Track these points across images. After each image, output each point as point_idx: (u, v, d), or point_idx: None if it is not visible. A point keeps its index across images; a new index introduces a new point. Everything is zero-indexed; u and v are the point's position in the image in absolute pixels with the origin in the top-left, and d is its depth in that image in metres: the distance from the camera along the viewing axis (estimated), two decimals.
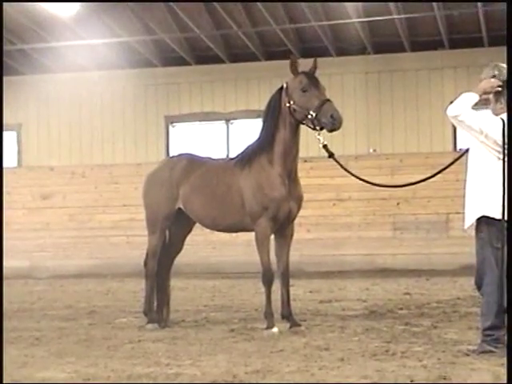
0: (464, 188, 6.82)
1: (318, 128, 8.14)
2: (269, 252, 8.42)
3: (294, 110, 8.26)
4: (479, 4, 16.38)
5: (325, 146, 8.28)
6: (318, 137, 8.19)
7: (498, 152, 6.55)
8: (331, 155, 8.29)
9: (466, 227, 6.71)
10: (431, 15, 17.09)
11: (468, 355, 6.53)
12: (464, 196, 6.78)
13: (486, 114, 6.81)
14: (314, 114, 8.06)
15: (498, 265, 6.49)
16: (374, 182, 8.56)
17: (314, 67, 8.39)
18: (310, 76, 8.29)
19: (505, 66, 6.89)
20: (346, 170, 8.33)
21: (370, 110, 18.92)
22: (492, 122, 6.63)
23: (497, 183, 6.48)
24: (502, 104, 6.73)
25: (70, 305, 11.91)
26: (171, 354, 7.05)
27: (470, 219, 6.66)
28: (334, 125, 7.99)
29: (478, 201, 6.59)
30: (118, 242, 19.18)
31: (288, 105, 8.30)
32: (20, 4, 16.41)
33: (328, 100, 8.09)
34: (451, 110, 6.69)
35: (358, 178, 8.36)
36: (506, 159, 6.47)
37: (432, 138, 18.20)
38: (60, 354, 7.22)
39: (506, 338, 6.37)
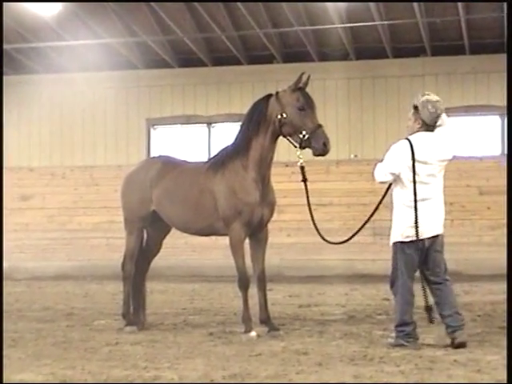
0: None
1: (302, 148, 8.19)
2: (244, 256, 8.42)
3: (285, 123, 8.27)
4: (461, 12, 16.46)
5: (302, 168, 8.37)
6: (300, 156, 8.28)
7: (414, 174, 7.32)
8: (304, 180, 8.43)
9: (390, 244, 7.66)
10: (413, 22, 17.14)
11: (444, 361, 6.58)
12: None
13: (397, 154, 7.43)
14: (306, 136, 8.11)
15: (408, 269, 7.47)
16: (331, 240, 8.67)
17: (306, 83, 8.38)
18: (307, 95, 8.31)
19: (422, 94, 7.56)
20: (308, 202, 8.51)
21: (351, 115, 18.96)
22: (405, 156, 7.32)
23: (409, 207, 7.34)
24: (420, 124, 7.43)
25: (48, 306, 11.86)
26: (149, 357, 7.04)
27: (392, 240, 7.61)
28: (324, 152, 8.11)
29: (397, 225, 7.52)
30: (98, 244, 19.14)
31: (279, 117, 8.30)
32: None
33: (320, 125, 8.16)
34: (377, 178, 7.60)
35: (314, 225, 8.53)
36: (417, 178, 7.28)
37: None
38: (37, 355, 7.19)
39: (415, 331, 7.42)
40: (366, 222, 7.94)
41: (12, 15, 17.26)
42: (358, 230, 8.12)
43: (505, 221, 16.51)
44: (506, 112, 17.64)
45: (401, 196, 7.41)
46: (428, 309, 7.47)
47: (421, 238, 7.34)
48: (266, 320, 8.49)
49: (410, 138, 7.39)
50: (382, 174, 7.47)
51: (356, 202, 18.13)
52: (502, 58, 17.15)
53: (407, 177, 7.31)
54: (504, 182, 16.41)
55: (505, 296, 11.45)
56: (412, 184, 7.29)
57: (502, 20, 16.87)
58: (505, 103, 17.43)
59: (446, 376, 5.97)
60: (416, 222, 7.29)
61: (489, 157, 18.27)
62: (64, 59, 19.45)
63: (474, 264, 17.29)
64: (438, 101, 7.44)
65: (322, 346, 7.58)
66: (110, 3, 17.19)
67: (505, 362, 6.18)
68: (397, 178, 7.39)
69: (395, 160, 7.36)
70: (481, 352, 7.00)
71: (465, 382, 5.77)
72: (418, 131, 7.43)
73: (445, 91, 17.92)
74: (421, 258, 7.42)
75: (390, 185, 7.67)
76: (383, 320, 9.63)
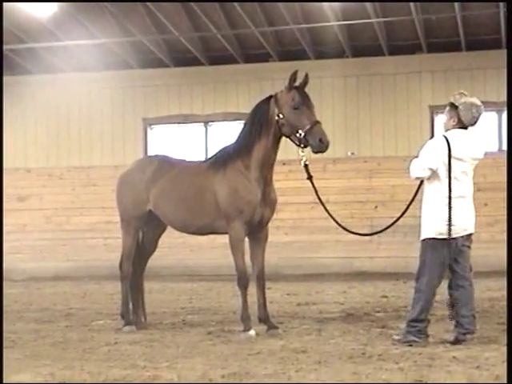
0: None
1: (302, 146, 8.18)
2: (243, 255, 8.41)
3: (283, 124, 8.26)
4: (457, 8, 16.46)
5: (306, 166, 8.34)
6: (302, 154, 8.26)
7: (452, 171, 7.31)
8: (310, 177, 8.40)
9: (420, 239, 7.55)
10: (409, 19, 17.15)
11: (442, 358, 6.58)
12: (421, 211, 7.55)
13: (434, 149, 7.42)
14: (302, 134, 8.09)
15: (437, 267, 7.36)
16: (352, 230, 9.01)
17: (305, 82, 8.36)
18: (303, 93, 8.26)
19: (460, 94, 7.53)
20: (318, 198, 8.62)
21: (348, 113, 18.95)
22: (442, 152, 7.31)
23: (445, 204, 7.29)
24: (455, 122, 7.45)
25: (46, 307, 11.85)
26: (148, 356, 7.03)
27: (423, 236, 7.51)
28: (322, 148, 8.07)
29: (430, 221, 7.40)
30: (95, 245, 19.13)
31: (277, 118, 8.29)
32: None
33: (318, 122, 8.13)
34: (413, 174, 7.49)
35: (333, 219, 8.88)
36: (452, 175, 7.27)
37: (410, 142, 18.24)
38: (36, 356, 7.18)
39: (427, 329, 7.40)
40: (398, 218, 7.88)
41: (7, 16, 17.24)
42: (390, 225, 8.05)
43: (502, 217, 16.56)
44: (505, 108, 17.65)
45: (436, 192, 7.34)
46: (451, 305, 7.45)
47: (455, 236, 7.32)
48: (264, 319, 8.49)
49: (445, 134, 7.41)
50: (420, 169, 7.38)
51: (353, 200, 18.14)
52: (498, 55, 17.26)
53: (444, 173, 7.29)
54: (501, 178, 16.51)
55: (503, 293, 11.49)
56: (448, 180, 7.27)
57: (497, 16, 16.90)
58: (501, 99, 17.48)
59: (445, 372, 5.96)
60: (451, 220, 7.27)
61: (486, 153, 18.24)
62: (59, 60, 19.43)
63: (472, 261, 17.27)
64: (481, 105, 7.43)
65: (321, 344, 7.57)
66: (106, 3, 17.16)
67: (505, 358, 6.18)
68: (432, 174, 7.35)
69: (433, 155, 7.32)
70: (479, 349, 7.00)
71: (464, 379, 5.76)
72: (452, 128, 7.44)
73: (441, 88, 17.95)
74: (452, 256, 7.36)
75: (421, 182, 7.59)
76: (382, 317, 9.63)
